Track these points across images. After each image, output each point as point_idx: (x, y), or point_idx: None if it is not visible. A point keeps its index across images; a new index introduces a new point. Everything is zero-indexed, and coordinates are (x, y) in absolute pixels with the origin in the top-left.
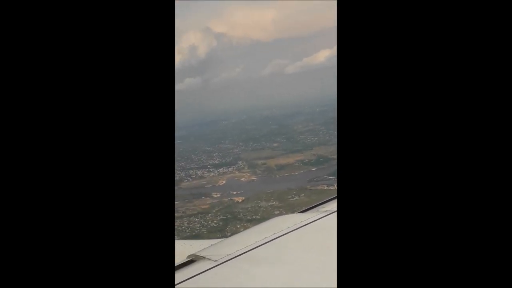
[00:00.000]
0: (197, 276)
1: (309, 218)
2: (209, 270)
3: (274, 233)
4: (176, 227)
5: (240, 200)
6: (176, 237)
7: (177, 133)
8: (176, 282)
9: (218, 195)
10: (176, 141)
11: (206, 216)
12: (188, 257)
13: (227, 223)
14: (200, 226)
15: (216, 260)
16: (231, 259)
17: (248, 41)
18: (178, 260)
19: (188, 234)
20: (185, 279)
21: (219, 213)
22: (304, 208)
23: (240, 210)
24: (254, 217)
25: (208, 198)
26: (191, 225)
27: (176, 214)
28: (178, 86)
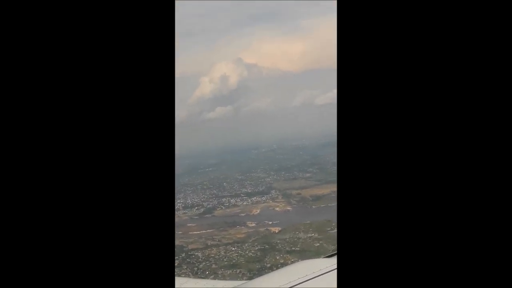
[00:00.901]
0: None
1: (334, 264)
2: None
3: (299, 278)
4: (213, 255)
5: (276, 231)
6: (209, 267)
7: (208, 161)
8: None
9: (254, 225)
10: (208, 169)
11: (243, 246)
12: None
13: (265, 253)
14: (237, 256)
15: None
16: None
17: (278, 72)
18: None
19: (226, 263)
20: None
21: (256, 243)
22: (331, 253)
23: (278, 241)
24: (293, 248)
25: (243, 227)
26: (228, 254)
27: (212, 242)
28: (209, 115)
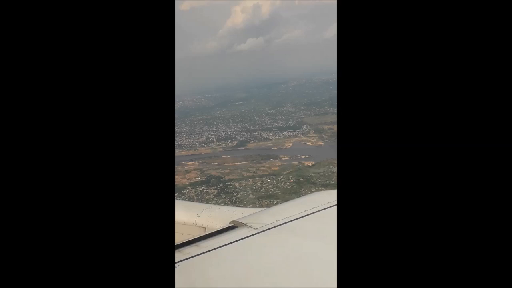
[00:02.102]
0: (236, 242)
1: None
2: (248, 237)
3: (314, 207)
4: (249, 186)
5: (310, 164)
6: (247, 197)
7: (237, 95)
8: (216, 246)
9: (287, 158)
10: (237, 102)
11: (278, 178)
12: (230, 223)
13: (300, 186)
14: (273, 187)
15: (256, 228)
16: (270, 228)
17: (311, 2)
18: (220, 225)
19: (263, 193)
20: (224, 244)
21: (290, 176)
22: None
23: (312, 174)
24: (328, 182)
25: (276, 160)
26: (264, 185)
27: (247, 174)
28: (240, 46)
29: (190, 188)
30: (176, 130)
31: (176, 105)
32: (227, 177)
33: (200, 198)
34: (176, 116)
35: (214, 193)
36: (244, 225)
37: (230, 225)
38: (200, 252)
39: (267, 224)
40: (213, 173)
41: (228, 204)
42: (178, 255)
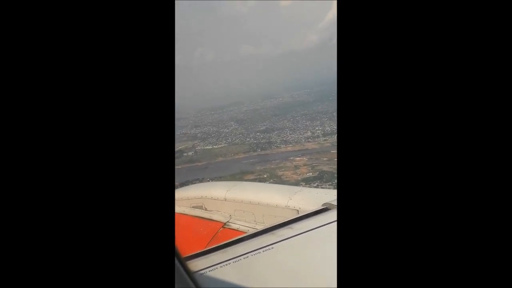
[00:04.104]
0: (328, 225)
1: None
2: None
3: None
4: None
5: None
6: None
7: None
8: (309, 228)
9: None
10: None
11: None
12: (323, 205)
13: None
14: None
15: None
16: None
17: None
18: (313, 208)
19: None
20: (317, 226)
21: None
22: None
23: None
24: None
25: None
26: None
27: None
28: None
29: (303, 183)
30: (278, 125)
31: (275, 101)
32: None
33: None
34: (277, 112)
35: (330, 189)
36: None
37: (323, 207)
38: (293, 234)
39: None
40: (325, 168)
41: None
42: (272, 237)
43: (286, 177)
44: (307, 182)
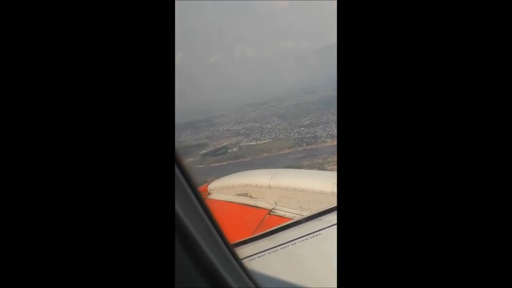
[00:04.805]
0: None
1: None
2: None
3: None
4: None
5: None
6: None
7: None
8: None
9: None
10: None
11: None
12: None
13: None
14: None
15: None
16: None
17: None
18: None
19: None
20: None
21: None
22: None
23: None
24: None
25: None
26: None
27: None
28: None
29: None
30: (323, 119)
31: (317, 95)
32: None
33: None
34: (320, 106)
35: None
36: None
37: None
38: None
39: None
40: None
41: None
42: (319, 223)
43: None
44: None
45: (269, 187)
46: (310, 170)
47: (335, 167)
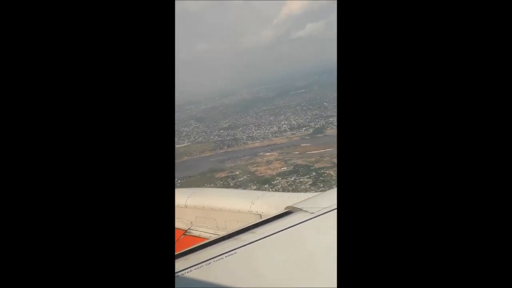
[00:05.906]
0: (292, 227)
1: None
2: (304, 222)
3: None
4: None
5: None
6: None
7: (297, 83)
8: (272, 232)
9: None
10: (299, 91)
11: None
12: (285, 208)
13: None
14: None
15: (312, 213)
16: (327, 212)
17: None
18: (276, 212)
19: None
20: (280, 229)
21: None
22: None
23: None
24: None
25: None
26: None
27: (330, 164)
28: (298, 33)
29: (279, 178)
30: (242, 122)
31: (235, 98)
32: (316, 165)
33: (294, 189)
34: (238, 109)
35: (309, 182)
36: (300, 210)
37: (285, 210)
38: (256, 239)
39: (324, 208)
40: (299, 162)
41: None
42: (235, 242)
43: (260, 173)
44: (283, 176)
45: (186, 207)
46: (228, 189)
47: (260, 168)
